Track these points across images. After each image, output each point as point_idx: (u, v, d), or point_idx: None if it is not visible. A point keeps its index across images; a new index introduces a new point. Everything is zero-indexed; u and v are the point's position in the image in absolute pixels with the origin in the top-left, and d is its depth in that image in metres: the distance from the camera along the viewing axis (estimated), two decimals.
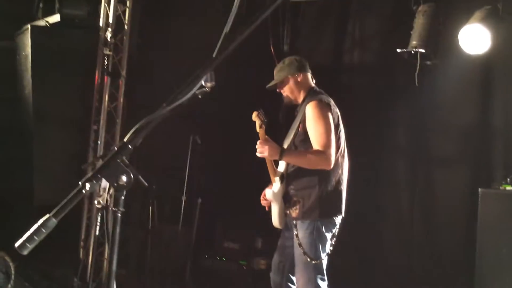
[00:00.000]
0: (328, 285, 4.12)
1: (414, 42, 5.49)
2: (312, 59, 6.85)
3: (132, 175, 1.79)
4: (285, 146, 4.22)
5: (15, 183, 6.84)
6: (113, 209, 1.78)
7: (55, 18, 6.28)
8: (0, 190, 6.88)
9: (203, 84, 4.39)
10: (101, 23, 6.40)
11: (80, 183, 1.76)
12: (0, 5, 6.88)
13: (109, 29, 6.34)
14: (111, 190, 1.86)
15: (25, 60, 6.26)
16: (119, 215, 1.80)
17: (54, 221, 1.73)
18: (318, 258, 4.06)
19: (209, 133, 6.52)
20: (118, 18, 6.41)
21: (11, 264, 4.92)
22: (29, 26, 6.17)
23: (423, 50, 5.45)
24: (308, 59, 5.39)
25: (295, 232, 4.13)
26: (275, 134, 4.24)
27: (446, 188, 5.88)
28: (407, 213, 6.14)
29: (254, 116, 4.26)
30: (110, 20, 6.36)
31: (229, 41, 1.91)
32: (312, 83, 4.39)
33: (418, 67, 5.53)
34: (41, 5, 6.51)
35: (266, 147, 4.01)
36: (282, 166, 4.28)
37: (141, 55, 6.81)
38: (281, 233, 4.42)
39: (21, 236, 1.81)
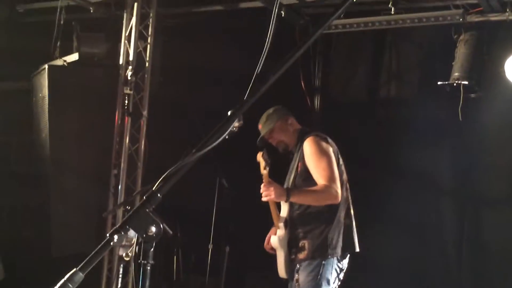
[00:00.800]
0: None
1: (456, 74, 5.51)
2: (345, 94, 6.96)
3: (161, 226, 1.83)
4: None
5: (31, 232, 6.95)
6: (143, 262, 1.81)
7: (73, 57, 6.46)
8: (16, 239, 6.99)
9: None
10: (121, 61, 6.55)
11: (108, 234, 1.80)
12: (16, 45, 7.10)
13: (130, 67, 6.48)
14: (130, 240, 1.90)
15: (42, 102, 6.41)
16: (149, 268, 1.83)
17: (81, 275, 1.77)
18: None
19: (237, 176, 6.56)
20: (139, 55, 6.57)
21: None
22: (46, 66, 6.34)
23: (466, 82, 5.47)
24: (341, 94, 5.44)
25: (295, 277, 4.14)
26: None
27: (497, 232, 5.80)
28: (455, 259, 6.06)
29: (259, 157, 4.34)
30: (131, 58, 6.51)
31: (260, 82, 1.96)
32: (299, 125, 4.51)
33: (461, 101, 5.54)
34: (58, 44, 6.69)
35: (272, 189, 4.07)
36: (284, 210, 4.33)
37: (163, 94, 6.92)
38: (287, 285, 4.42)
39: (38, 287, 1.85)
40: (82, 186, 6.44)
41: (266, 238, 4.52)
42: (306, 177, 4.18)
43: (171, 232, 4.28)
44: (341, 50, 6.97)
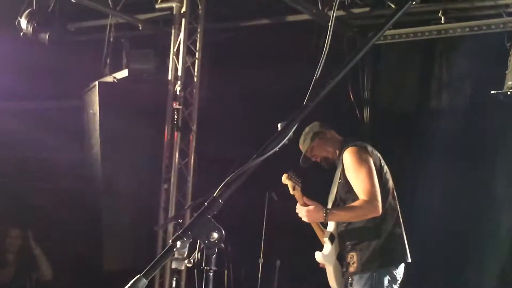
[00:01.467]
0: None
1: (510, 83, 5.42)
2: (395, 105, 6.90)
3: (223, 232, 1.83)
4: (330, 202, 4.25)
5: (84, 247, 7.05)
6: (206, 268, 1.81)
7: (123, 73, 6.57)
8: (69, 254, 7.10)
9: None
10: (169, 76, 6.64)
11: (170, 241, 1.81)
12: (67, 63, 7.25)
13: (178, 82, 6.56)
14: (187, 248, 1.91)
15: (93, 118, 6.54)
16: (211, 274, 1.83)
17: (144, 281, 1.78)
18: None
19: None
20: (187, 71, 6.64)
21: None
22: (97, 83, 6.47)
23: None
24: (391, 105, 5.40)
25: None
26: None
27: None
28: None
29: (284, 178, 4.31)
30: (179, 73, 6.59)
31: (319, 87, 1.96)
32: (339, 136, 4.45)
33: None
34: (108, 61, 6.82)
35: (304, 213, 4.03)
36: (331, 225, 4.28)
37: (211, 108, 6.97)
38: None
39: None
40: (133, 201, 6.52)
41: None
42: (348, 189, 4.15)
43: (222, 246, 4.28)
44: (390, 61, 6.91)
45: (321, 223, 4.32)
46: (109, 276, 6.20)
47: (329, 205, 4.28)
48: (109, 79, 6.65)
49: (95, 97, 6.47)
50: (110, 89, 6.51)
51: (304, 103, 1.95)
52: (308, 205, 4.11)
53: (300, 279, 6.81)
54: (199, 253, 1.86)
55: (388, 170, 4.26)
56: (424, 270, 5.80)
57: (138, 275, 1.81)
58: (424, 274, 5.84)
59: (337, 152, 4.34)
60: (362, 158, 4.09)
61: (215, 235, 1.82)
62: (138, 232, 6.45)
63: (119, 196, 6.48)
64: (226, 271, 6.35)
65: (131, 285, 1.78)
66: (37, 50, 6.77)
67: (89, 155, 6.77)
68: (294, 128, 1.97)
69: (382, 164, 4.24)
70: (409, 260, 4.19)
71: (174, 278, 5.00)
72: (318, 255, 4.32)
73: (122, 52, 6.71)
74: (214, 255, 1.84)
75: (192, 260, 2.94)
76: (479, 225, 6.09)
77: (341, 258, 4.24)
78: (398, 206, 4.25)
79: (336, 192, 4.23)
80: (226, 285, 6.27)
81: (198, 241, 1.86)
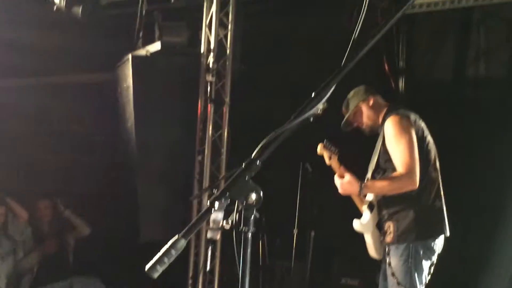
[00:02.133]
0: None
1: None
2: (431, 74, 6.80)
3: (261, 193, 1.84)
4: (370, 170, 4.21)
5: (120, 219, 7.15)
6: (244, 229, 1.83)
7: (156, 46, 6.58)
8: (105, 227, 7.21)
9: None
10: (202, 49, 6.64)
11: (208, 202, 1.82)
12: (100, 38, 7.30)
13: (211, 54, 6.56)
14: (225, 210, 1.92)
15: (127, 91, 6.57)
16: (250, 235, 1.84)
17: (183, 241, 1.81)
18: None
19: (321, 159, 6.53)
20: (220, 43, 6.63)
21: None
22: (130, 56, 6.49)
23: None
24: (426, 74, 5.30)
25: (387, 261, 4.08)
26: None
27: None
28: None
29: (320, 149, 4.28)
30: (212, 45, 6.58)
31: (358, 48, 1.94)
32: (384, 102, 4.40)
33: None
34: (141, 34, 6.83)
35: (339, 186, 4.02)
36: (370, 194, 4.24)
37: (245, 81, 6.96)
38: (380, 265, 4.37)
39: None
40: (168, 173, 6.57)
41: None
42: (388, 158, 4.10)
43: (258, 216, 4.31)
44: (425, 30, 6.81)
45: None
46: (144, 248, 6.29)
47: (369, 174, 4.25)
48: (142, 52, 6.67)
49: (128, 71, 6.50)
50: (143, 62, 6.52)
51: (342, 64, 1.94)
52: (344, 177, 4.10)
53: (334, 250, 6.83)
54: (237, 215, 1.87)
55: (431, 141, 4.18)
56: None
57: (177, 235, 1.83)
58: None
59: (380, 119, 4.28)
60: (403, 128, 4.02)
61: (253, 196, 1.82)
62: (173, 204, 6.50)
63: (154, 168, 6.52)
64: (260, 242, 6.40)
65: (170, 245, 1.81)
66: (71, 23, 6.82)
67: (124, 129, 6.82)
68: (331, 90, 1.95)
69: (425, 134, 4.15)
70: (448, 233, 4.14)
71: (209, 248, 5.03)
72: (356, 223, 4.32)
73: (155, 25, 6.71)
74: (253, 217, 1.85)
75: (230, 222, 2.96)
76: None
77: (380, 226, 4.23)
78: (439, 178, 4.18)
79: (377, 161, 4.19)
80: (260, 255, 6.33)
81: (236, 202, 1.87)
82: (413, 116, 4.16)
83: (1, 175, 7.23)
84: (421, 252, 4.02)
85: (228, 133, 6.66)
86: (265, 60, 7.12)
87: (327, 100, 4.45)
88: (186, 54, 6.69)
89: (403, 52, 6.74)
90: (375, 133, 4.37)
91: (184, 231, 1.83)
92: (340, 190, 4.07)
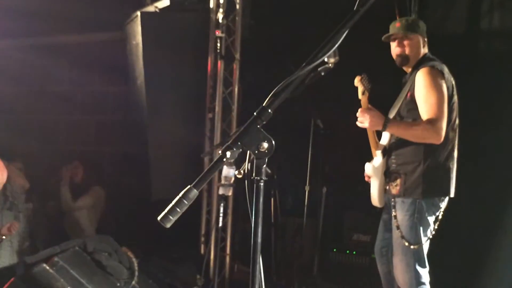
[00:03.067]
0: (430, 273, 4.02)
1: None
2: (444, 28, 6.70)
3: (273, 142, 1.82)
4: (390, 116, 4.15)
5: (131, 178, 7.19)
6: (256, 178, 1.82)
7: (165, 2, 6.53)
8: (116, 185, 7.26)
9: (326, 60, 4.42)
10: (211, 4, 6.57)
11: (220, 151, 1.81)
12: None
13: (221, 9, 6.49)
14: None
15: (136, 49, 6.53)
16: (262, 184, 1.83)
17: (195, 191, 1.80)
18: (418, 243, 3.98)
19: (332, 116, 6.51)
20: None
21: (134, 260, 5.17)
22: (138, 13, 6.43)
23: None
24: (439, 28, 5.17)
25: (393, 213, 4.07)
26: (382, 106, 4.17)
27: None
28: None
29: (357, 81, 4.22)
30: (221, 1, 6.51)
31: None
32: (427, 49, 4.32)
33: None
34: None
35: (368, 116, 3.98)
36: (385, 138, 4.22)
37: (255, 36, 6.90)
38: (381, 215, 4.37)
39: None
40: (179, 131, 6.57)
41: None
42: (412, 107, 4.03)
43: (269, 171, 4.27)
44: None
45: (378, 136, 4.28)
46: (157, 205, 6.33)
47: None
48: (150, 8, 6.61)
49: (137, 28, 6.45)
50: (152, 18, 6.46)
51: (355, 7, 1.90)
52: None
53: (346, 206, 6.85)
54: (249, 164, 1.85)
55: (456, 100, 4.12)
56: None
57: (189, 186, 1.82)
58: None
59: (414, 63, 4.22)
60: (437, 82, 3.95)
61: (265, 145, 1.81)
62: (185, 161, 6.52)
63: (164, 126, 6.52)
64: (272, 199, 6.42)
65: (182, 195, 1.81)
66: None
67: (134, 87, 6.81)
68: (343, 36, 1.92)
69: (454, 92, 4.09)
70: (452, 195, 4.11)
71: (222, 204, 5.05)
72: (368, 166, 4.29)
73: None
74: (265, 165, 1.83)
75: (242, 171, 2.95)
76: None
77: (387, 173, 4.20)
78: (456, 140, 4.13)
79: (399, 107, 4.14)
80: (272, 213, 6.35)
81: (248, 152, 1.86)
82: (446, 71, 4.09)
83: (9, 137, 7.25)
84: (427, 208, 4.01)
85: (238, 90, 6.63)
86: (276, 15, 7.03)
87: (339, 52, 4.41)
88: (195, 10, 6.64)
89: (416, 5, 6.63)
90: (403, 66, 4.29)
91: (196, 181, 1.82)
92: (366, 122, 4.00)
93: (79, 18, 7.54)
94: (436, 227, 4.06)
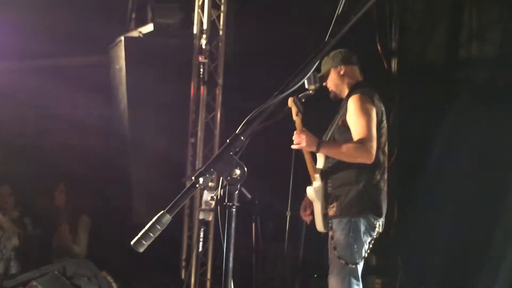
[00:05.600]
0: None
1: None
2: (424, 56, 6.81)
3: (245, 168, 1.86)
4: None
5: (113, 201, 7.17)
6: (228, 204, 1.85)
7: (148, 28, 6.59)
8: (98, 209, 7.23)
9: (306, 87, 4.50)
10: (195, 30, 6.64)
11: (193, 177, 1.84)
12: (92, 19, 7.28)
13: (204, 35, 6.56)
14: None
15: (120, 73, 6.58)
16: (234, 210, 1.87)
17: (168, 217, 1.83)
18: (354, 262, 4.06)
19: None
20: (213, 24, 6.64)
21: (114, 285, 5.16)
22: (122, 38, 6.49)
23: None
24: (419, 56, 5.26)
25: (330, 234, 4.14)
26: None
27: None
28: None
29: (290, 102, 4.31)
30: (204, 27, 6.58)
31: (342, 22, 1.95)
32: (360, 77, 4.42)
33: None
34: (133, 15, 6.83)
35: (303, 137, 4.08)
36: (320, 162, 4.31)
37: (238, 62, 6.96)
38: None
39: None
40: (161, 155, 6.59)
41: (304, 202, 4.54)
42: (343, 131, 4.18)
43: (249, 196, 4.30)
44: (418, 10, 6.80)
45: (315, 160, 4.35)
46: (139, 228, 6.31)
47: None
48: (134, 33, 6.67)
49: (121, 52, 6.51)
50: (135, 43, 6.54)
51: (326, 39, 1.94)
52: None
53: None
54: (222, 190, 1.89)
55: (386, 126, 4.28)
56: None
57: (162, 211, 1.85)
58: None
59: (346, 91, 4.34)
60: (366, 107, 4.11)
61: (237, 171, 1.84)
62: (166, 185, 6.52)
63: (146, 151, 6.55)
64: (253, 224, 6.42)
65: (155, 220, 1.83)
66: (62, 5, 6.80)
67: (116, 111, 6.84)
68: (314, 66, 1.96)
69: (383, 118, 4.26)
70: (383, 216, 4.21)
71: (202, 229, 5.06)
72: (310, 190, 4.34)
73: (147, 7, 6.71)
74: (237, 192, 1.87)
75: (215, 197, 2.98)
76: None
77: (325, 198, 4.27)
78: (386, 163, 4.26)
79: (332, 133, 4.26)
80: (254, 238, 6.35)
81: (221, 178, 1.89)
82: (376, 98, 4.23)
83: None
84: (362, 227, 4.10)
85: (221, 115, 6.68)
86: (259, 41, 7.11)
87: (319, 80, 4.48)
88: (178, 36, 6.69)
89: (396, 33, 6.74)
90: (338, 99, 4.41)
91: (169, 206, 1.85)
92: (302, 143, 4.11)
93: (63, 40, 7.56)
94: (371, 246, 4.12)
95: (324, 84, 4.42)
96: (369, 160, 4.03)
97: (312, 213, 4.43)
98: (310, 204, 4.43)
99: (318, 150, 4.15)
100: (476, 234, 5.72)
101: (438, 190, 6.01)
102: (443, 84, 6.39)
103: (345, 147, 4.07)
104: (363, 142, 4.01)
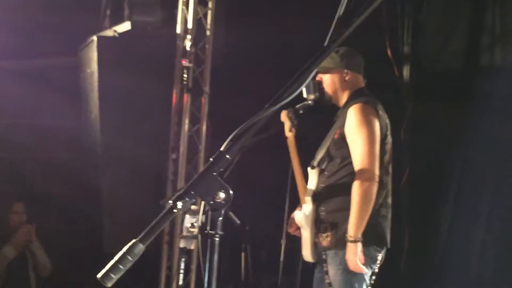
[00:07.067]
0: None
1: None
2: (440, 62, 6.84)
3: (231, 192, 1.85)
4: (318, 157, 4.27)
5: (82, 226, 7.14)
6: (210, 232, 1.84)
7: (125, 26, 6.59)
8: (66, 234, 7.20)
9: (305, 96, 4.50)
10: (178, 30, 6.65)
11: (170, 201, 1.84)
12: (60, 15, 7.27)
13: (188, 36, 6.56)
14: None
15: (91, 78, 6.58)
16: (217, 239, 1.86)
17: (141, 247, 1.82)
18: None
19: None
20: (199, 23, 6.65)
21: None
22: (95, 37, 6.48)
23: None
24: (435, 62, 5.26)
25: (325, 269, 4.12)
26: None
27: None
28: None
29: (283, 116, 4.30)
30: (189, 26, 6.59)
31: (343, 26, 1.95)
32: (363, 84, 4.41)
33: None
34: (108, 12, 6.83)
35: (352, 258, 3.98)
36: (312, 181, 4.27)
37: (228, 67, 6.97)
38: (314, 273, 4.41)
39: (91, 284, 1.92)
40: (137, 174, 6.57)
41: (290, 219, 4.52)
42: (341, 146, 4.15)
43: (238, 222, 4.31)
44: (435, 10, 6.83)
45: (305, 178, 4.35)
46: (110, 258, 6.29)
47: (316, 162, 4.28)
48: (109, 33, 6.67)
49: (93, 54, 6.50)
50: (110, 44, 6.53)
51: (325, 43, 1.95)
52: (295, 160, 4.30)
53: None
54: (204, 216, 1.89)
55: (390, 141, 4.25)
56: None
57: (134, 240, 1.84)
58: None
59: (344, 99, 4.31)
60: (368, 119, 4.10)
61: (222, 195, 1.84)
62: (142, 208, 6.50)
63: (121, 167, 6.52)
64: (243, 254, 6.42)
65: (126, 250, 1.83)
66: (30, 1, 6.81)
67: (87, 121, 6.82)
68: (312, 75, 1.96)
69: (388, 132, 4.24)
70: (389, 246, 4.19)
71: (183, 259, 5.05)
72: (298, 215, 4.30)
73: (124, 2, 6.71)
74: (221, 218, 1.86)
75: (196, 225, 2.97)
76: None
77: (316, 223, 4.23)
78: (390, 185, 4.24)
79: (328, 147, 4.22)
80: (243, 269, 6.35)
81: (203, 202, 1.89)
82: (380, 108, 4.20)
83: None
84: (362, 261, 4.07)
85: (207, 127, 6.68)
86: (252, 43, 7.11)
87: (318, 89, 4.48)
88: (159, 36, 6.69)
89: (409, 36, 6.76)
90: (329, 104, 4.39)
91: (142, 234, 1.84)
92: (355, 267, 4.04)
93: (25, 39, 7.55)
94: (372, 281, 4.11)
95: (318, 79, 4.35)
96: (372, 181, 3.98)
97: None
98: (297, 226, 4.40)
99: (357, 237, 4.04)
100: (507, 268, 5.75)
101: (458, 216, 6.02)
102: (462, 95, 6.42)
103: (357, 201, 3.97)
104: (364, 172, 3.98)
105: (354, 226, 4.00)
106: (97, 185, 6.64)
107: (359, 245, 3.99)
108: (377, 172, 4.01)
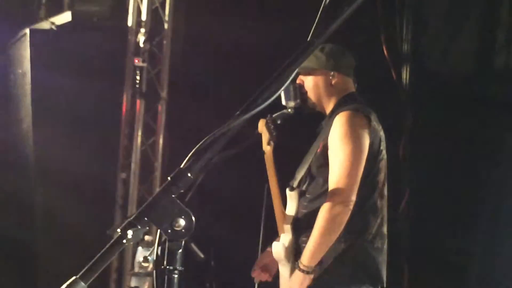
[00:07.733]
0: None
1: None
2: (445, 63, 6.90)
3: (193, 218, 1.85)
4: (298, 177, 4.24)
5: (11, 256, 7.07)
6: (168, 268, 1.83)
7: (65, 17, 6.57)
8: None
9: (284, 103, 4.50)
10: (130, 22, 6.65)
11: (119, 230, 1.83)
12: None
13: (142, 29, 6.56)
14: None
15: (22, 80, 6.55)
16: (176, 276, 1.85)
17: (83, 285, 1.80)
18: None
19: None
20: (155, 14, 6.65)
21: None
22: (27, 30, 6.46)
23: None
24: (439, 63, 5.28)
25: None
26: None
27: None
28: None
29: (261, 126, 4.28)
30: (143, 17, 6.60)
31: (330, 18, 1.96)
32: (353, 88, 4.37)
33: None
34: (44, 0, 6.81)
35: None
36: (292, 206, 4.25)
37: (189, 68, 6.97)
38: None
39: None
40: (77, 195, 6.54)
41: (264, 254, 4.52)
42: (323, 163, 4.12)
43: (202, 256, 4.32)
44: (440, 5, 6.91)
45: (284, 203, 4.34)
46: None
47: (296, 182, 4.27)
48: (45, 25, 6.66)
49: (25, 51, 6.50)
50: (46, 39, 6.53)
51: (309, 39, 1.95)
52: (273, 179, 4.24)
53: None
54: (160, 248, 1.87)
55: (385, 158, 4.25)
56: None
57: (74, 277, 1.83)
58: None
59: (331, 107, 4.29)
60: (355, 130, 4.05)
61: (182, 222, 1.83)
62: (85, 237, 6.48)
63: (58, 187, 6.50)
64: None
65: None
66: None
67: (17, 132, 6.80)
68: (291, 78, 1.97)
69: (382, 147, 4.19)
70: (385, 285, 4.20)
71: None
72: (277, 247, 4.25)
73: None
74: (180, 250, 1.86)
75: (149, 258, 2.96)
76: None
77: (297, 258, 4.21)
78: (385, 210, 4.24)
79: (310, 164, 4.21)
80: None
81: (159, 231, 1.88)
82: (374, 118, 4.18)
83: None
84: None
85: (164, 140, 6.67)
86: (220, 38, 7.14)
87: (299, 95, 4.49)
88: (106, 29, 6.69)
89: (409, 32, 6.83)
90: (313, 111, 4.39)
91: (83, 271, 1.83)
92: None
93: None
94: None
95: (299, 82, 4.33)
96: (346, 209, 3.94)
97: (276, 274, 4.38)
98: (273, 263, 4.38)
99: (310, 267, 4.05)
100: None
101: (467, 246, 6.07)
102: (472, 102, 6.48)
103: (321, 226, 3.94)
104: (337, 195, 3.95)
105: (310, 253, 3.99)
106: (30, 207, 6.62)
107: (309, 278, 4.01)
108: (353, 197, 3.95)
